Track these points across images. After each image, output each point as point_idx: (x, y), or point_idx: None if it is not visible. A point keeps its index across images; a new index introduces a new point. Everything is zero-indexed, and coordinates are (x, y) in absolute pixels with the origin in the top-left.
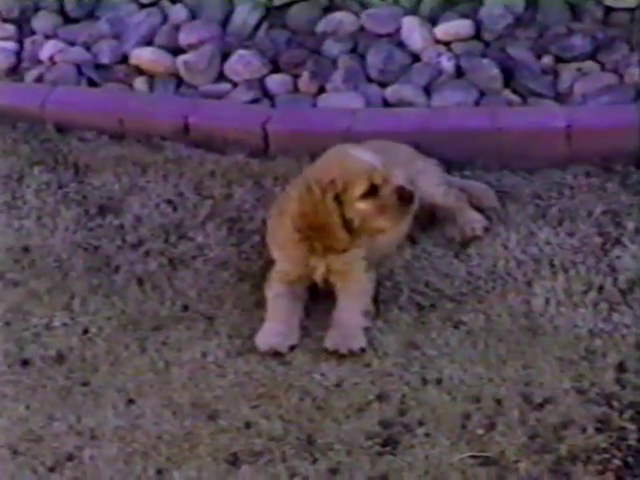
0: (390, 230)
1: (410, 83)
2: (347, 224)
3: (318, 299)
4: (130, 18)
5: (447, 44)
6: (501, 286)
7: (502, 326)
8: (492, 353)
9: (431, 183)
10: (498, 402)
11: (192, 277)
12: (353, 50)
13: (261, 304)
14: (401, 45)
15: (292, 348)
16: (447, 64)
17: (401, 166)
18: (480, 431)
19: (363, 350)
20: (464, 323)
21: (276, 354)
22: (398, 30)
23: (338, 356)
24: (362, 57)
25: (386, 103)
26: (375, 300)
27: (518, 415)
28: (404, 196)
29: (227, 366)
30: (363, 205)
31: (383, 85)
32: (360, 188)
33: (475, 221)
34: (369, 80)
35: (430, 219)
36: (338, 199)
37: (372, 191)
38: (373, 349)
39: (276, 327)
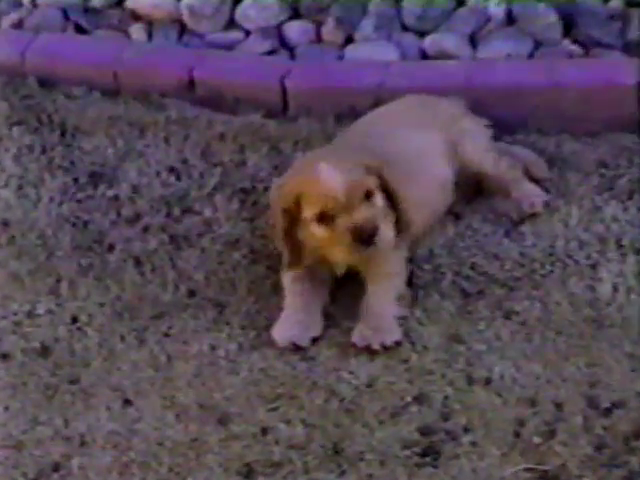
0: (344, 260)
1: (452, 32)
2: (297, 242)
3: (346, 282)
4: None
5: None
6: (560, 270)
7: (562, 317)
8: (550, 348)
9: (479, 148)
10: (558, 406)
11: (198, 257)
12: None
13: (279, 289)
14: None
15: (314, 340)
16: (496, 9)
17: (442, 126)
18: (536, 440)
19: (398, 344)
20: (517, 313)
21: (296, 348)
22: None
23: (369, 352)
24: (397, 1)
25: (424, 55)
26: (411, 285)
27: (581, 421)
28: (359, 237)
29: (240, 361)
30: (316, 229)
31: (421, 34)
32: (311, 211)
33: (534, 195)
34: (404, 28)
35: (477, 190)
36: (291, 214)
37: (326, 218)
38: (410, 343)
39: (295, 316)
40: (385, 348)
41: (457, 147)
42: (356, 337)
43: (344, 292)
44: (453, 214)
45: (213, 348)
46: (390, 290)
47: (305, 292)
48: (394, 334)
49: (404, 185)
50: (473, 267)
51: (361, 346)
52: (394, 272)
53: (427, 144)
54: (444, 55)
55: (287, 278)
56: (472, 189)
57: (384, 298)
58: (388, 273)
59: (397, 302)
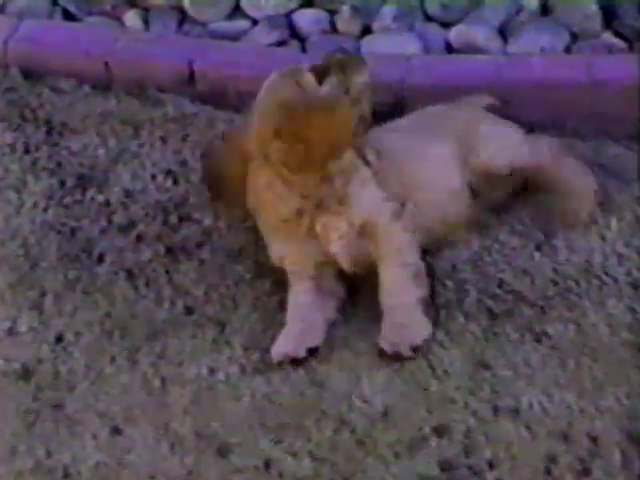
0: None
1: (481, 23)
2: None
3: (360, 301)
4: None
5: None
6: (597, 288)
7: (599, 341)
8: (585, 376)
9: (502, 147)
10: (593, 440)
11: (197, 270)
12: None
13: (286, 306)
14: None
15: (313, 352)
16: None
17: (455, 137)
18: (569, 478)
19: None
20: (549, 336)
21: (293, 362)
22: None
23: (399, 359)
24: None
25: (449, 48)
26: (433, 303)
27: (619, 458)
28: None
29: (241, 386)
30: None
31: (446, 25)
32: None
33: (584, 198)
34: (428, 18)
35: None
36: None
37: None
38: (430, 367)
39: (292, 329)
40: (417, 350)
41: (472, 156)
42: (383, 343)
43: (357, 313)
44: (478, 226)
45: (212, 371)
46: (403, 271)
47: (307, 305)
48: (422, 329)
49: (410, 191)
50: (500, 284)
51: (391, 353)
52: (402, 247)
53: (438, 156)
54: (471, 48)
55: (291, 292)
56: (503, 197)
57: (399, 283)
58: (396, 250)
59: (414, 282)
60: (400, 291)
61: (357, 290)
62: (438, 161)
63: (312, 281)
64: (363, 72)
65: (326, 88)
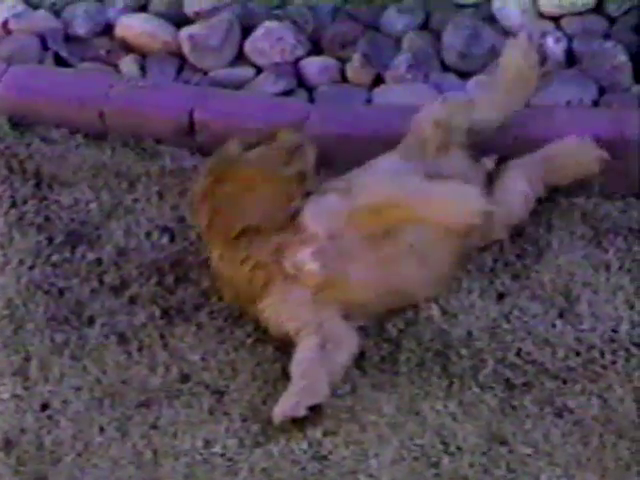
0: None
1: None
2: None
3: (369, 369)
4: None
5: (555, 19)
6: (624, 360)
7: (624, 416)
8: (610, 455)
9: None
10: None
11: (194, 335)
12: (423, 25)
13: (287, 374)
14: (491, 19)
15: (313, 408)
16: (555, 47)
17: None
18: None
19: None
20: (571, 410)
21: (295, 422)
22: None
23: None
24: (436, 35)
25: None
26: (445, 372)
27: None
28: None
29: (239, 460)
30: None
31: (463, 75)
32: None
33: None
34: (444, 67)
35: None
36: None
37: None
38: (442, 443)
39: (294, 387)
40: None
41: None
42: None
43: (365, 383)
44: (496, 290)
45: (208, 443)
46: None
47: (309, 360)
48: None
49: None
50: (519, 354)
51: None
52: None
53: None
54: None
55: (296, 350)
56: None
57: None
58: None
59: None
60: None
61: (364, 357)
62: None
63: (317, 336)
64: (294, 136)
65: (251, 153)
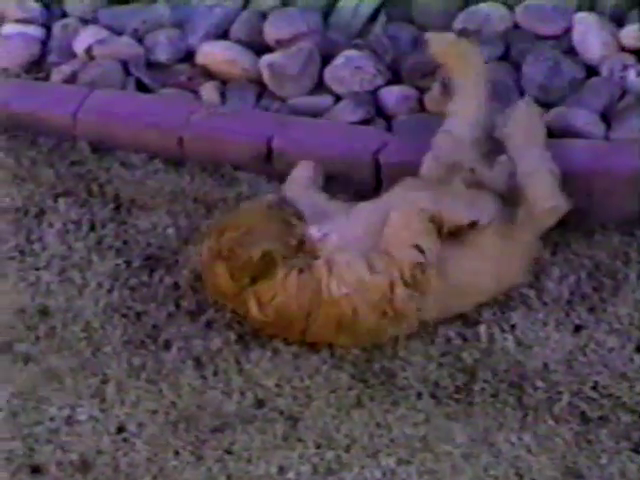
0: None
1: (582, 105)
2: None
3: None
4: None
5: (636, 53)
6: None
7: None
8: None
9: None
10: None
11: (269, 360)
12: (503, 57)
13: (363, 402)
14: (571, 52)
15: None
16: (635, 80)
17: None
18: None
19: None
20: None
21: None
22: (568, 31)
23: None
24: (516, 66)
25: (547, 132)
26: (520, 404)
27: None
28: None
29: None
30: None
31: (544, 106)
32: None
33: None
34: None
35: None
36: None
37: None
38: (517, 475)
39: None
40: None
41: None
42: None
43: (439, 411)
44: (572, 323)
45: (282, 470)
46: None
47: None
48: None
49: None
50: (595, 387)
51: None
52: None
53: None
54: (571, 132)
55: None
56: None
57: None
58: None
59: None
60: None
61: (439, 386)
62: None
63: None
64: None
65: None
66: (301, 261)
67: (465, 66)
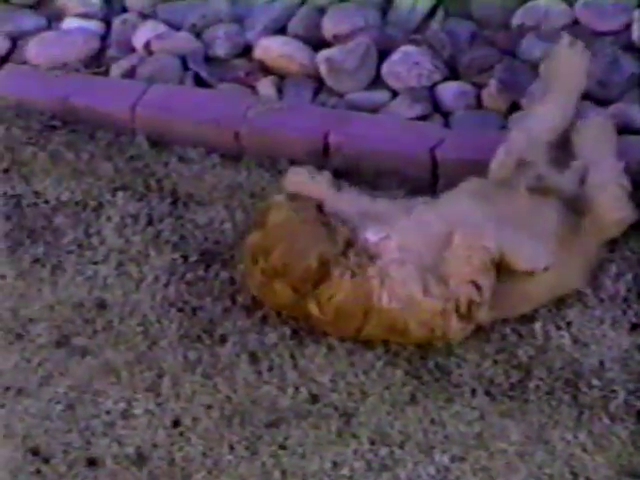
0: None
1: None
2: None
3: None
4: None
5: None
6: None
7: None
8: None
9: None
10: None
11: (324, 356)
12: None
13: (416, 399)
14: (631, 48)
15: None
16: None
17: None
18: None
19: None
20: None
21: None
22: (628, 27)
23: None
24: None
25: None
26: (575, 402)
27: None
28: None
29: None
30: None
31: (602, 103)
32: None
33: None
34: (582, 95)
35: None
36: None
37: None
38: (572, 473)
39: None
40: None
41: None
42: None
43: (494, 409)
44: (629, 321)
45: (336, 465)
46: None
47: None
48: None
49: None
50: None
51: None
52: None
53: None
54: (630, 129)
55: None
56: None
57: None
58: None
59: None
60: None
61: (493, 383)
62: None
63: None
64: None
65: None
66: (354, 263)
67: (567, 71)
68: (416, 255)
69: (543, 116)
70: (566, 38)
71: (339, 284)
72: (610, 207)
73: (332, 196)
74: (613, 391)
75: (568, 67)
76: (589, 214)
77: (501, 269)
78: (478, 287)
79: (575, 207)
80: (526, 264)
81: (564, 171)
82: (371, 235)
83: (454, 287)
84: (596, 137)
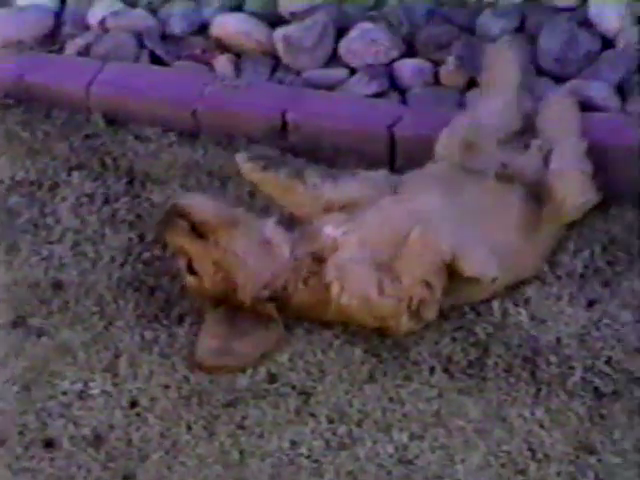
0: None
1: (598, 78)
2: None
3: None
4: None
5: None
6: None
7: None
8: None
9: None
10: None
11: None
12: (519, 28)
13: (376, 376)
14: (587, 24)
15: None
16: None
17: None
18: None
19: None
20: None
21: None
22: (584, 2)
23: None
24: (532, 38)
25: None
26: (533, 379)
27: None
28: None
29: (325, 462)
30: None
31: (559, 79)
32: None
33: None
34: (540, 72)
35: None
36: None
37: None
38: (529, 450)
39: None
40: None
41: None
42: None
43: (452, 386)
44: (585, 297)
45: (294, 444)
46: None
47: None
48: None
49: None
50: (609, 362)
51: None
52: None
53: None
54: (587, 105)
55: None
56: None
57: None
58: None
59: None
60: None
61: (451, 361)
62: None
63: None
64: None
65: None
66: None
67: (501, 67)
68: (374, 251)
69: (487, 104)
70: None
71: (295, 293)
72: (570, 194)
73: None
74: (571, 367)
75: (502, 63)
76: (549, 201)
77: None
78: (430, 286)
79: (537, 193)
80: (475, 271)
81: (525, 152)
82: (331, 230)
83: (407, 286)
84: (559, 115)
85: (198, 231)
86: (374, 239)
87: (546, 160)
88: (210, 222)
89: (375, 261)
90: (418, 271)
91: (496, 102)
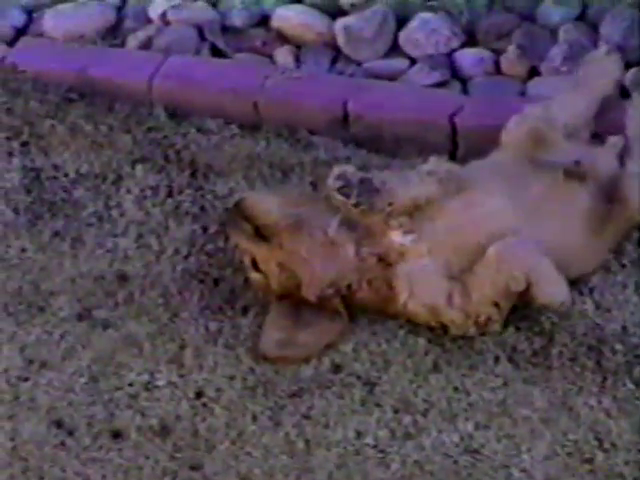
0: None
1: None
2: None
3: (522, 356)
4: None
5: None
6: None
7: None
8: None
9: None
10: None
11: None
12: (580, 16)
13: (439, 367)
14: None
15: None
16: None
17: None
18: None
19: None
20: None
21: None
22: None
23: None
24: (593, 27)
25: (623, 92)
26: (599, 367)
27: None
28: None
29: (391, 452)
30: None
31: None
32: None
33: None
34: None
35: None
36: None
37: None
38: (596, 439)
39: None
40: None
41: None
42: None
43: (517, 375)
44: None
45: (360, 434)
46: None
47: None
48: None
49: None
50: None
51: None
52: None
53: None
54: None
55: None
56: None
57: None
58: None
59: None
60: None
61: (516, 350)
62: None
63: None
64: None
65: None
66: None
67: (599, 75)
68: (445, 261)
69: (564, 101)
70: (604, 47)
71: (359, 292)
72: None
73: None
74: (637, 356)
75: (600, 72)
76: (621, 202)
77: None
78: (498, 306)
79: (608, 191)
80: (547, 300)
81: (597, 148)
82: (398, 236)
83: (476, 303)
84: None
85: (262, 233)
86: (444, 248)
87: (621, 158)
88: (274, 225)
89: (446, 271)
90: (489, 292)
91: (576, 100)
